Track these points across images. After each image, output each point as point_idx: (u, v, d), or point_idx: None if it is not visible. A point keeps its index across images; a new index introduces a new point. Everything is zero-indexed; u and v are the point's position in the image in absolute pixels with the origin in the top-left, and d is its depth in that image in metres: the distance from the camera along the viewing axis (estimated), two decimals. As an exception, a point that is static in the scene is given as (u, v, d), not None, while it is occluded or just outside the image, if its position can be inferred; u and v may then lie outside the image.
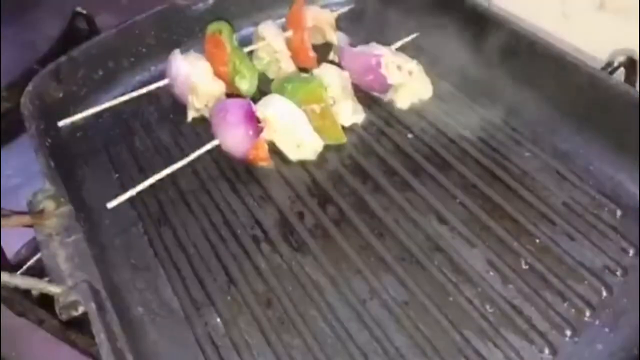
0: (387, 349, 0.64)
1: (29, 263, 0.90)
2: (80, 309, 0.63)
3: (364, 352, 0.64)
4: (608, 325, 0.63)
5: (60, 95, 0.93)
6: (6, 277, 0.64)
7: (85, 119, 0.91)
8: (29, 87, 0.89)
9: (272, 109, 0.82)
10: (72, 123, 0.89)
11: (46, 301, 0.78)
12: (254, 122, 0.79)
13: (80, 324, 0.77)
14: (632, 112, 0.76)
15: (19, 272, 0.88)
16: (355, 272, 0.71)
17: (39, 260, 0.89)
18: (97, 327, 0.59)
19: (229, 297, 0.70)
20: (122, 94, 0.97)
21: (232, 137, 0.80)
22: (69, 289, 0.63)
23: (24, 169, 1.00)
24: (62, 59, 0.94)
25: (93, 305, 0.62)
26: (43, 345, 0.83)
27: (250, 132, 0.79)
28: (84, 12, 1.23)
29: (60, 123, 0.88)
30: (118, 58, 0.99)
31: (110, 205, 0.78)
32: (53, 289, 0.64)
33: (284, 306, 0.68)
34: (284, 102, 0.82)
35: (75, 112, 0.93)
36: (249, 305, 0.69)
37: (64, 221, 0.72)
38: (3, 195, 0.94)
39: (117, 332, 0.62)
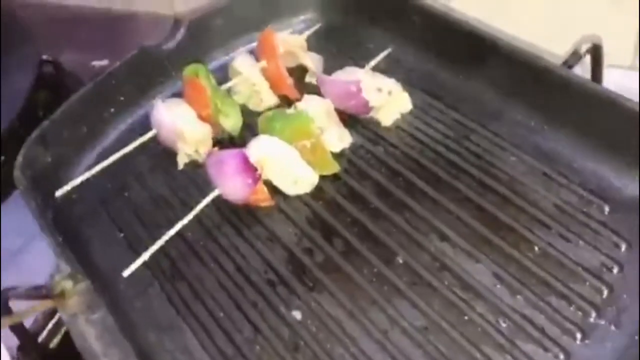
0: (416, 376, 0.68)
1: (46, 330, 0.92)
2: (121, 387, 0.66)
3: (394, 382, 0.68)
4: (613, 323, 0.68)
5: (49, 159, 0.94)
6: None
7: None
8: (19, 159, 0.89)
9: (265, 150, 0.84)
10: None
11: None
12: (251, 170, 0.81)
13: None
14: (596, 106, 0.81)
15: (39, 339, 0.91)
16: (371, 303, 0.74)
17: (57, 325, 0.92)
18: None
19: (257, 347, 0.73)
20: (108, 147, 0.99)
21: (232, 188, 0.82)
22: (107, 371, 0.66)
23: (19, 229, 1.01)
24: (45, 123, 0.94)
25: (134, 381, 0.65)
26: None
27: (249, 181, 0.81)
28: (50, 59, 1.23)
29: (58, 193, 0.89)
30: (99, 111, 1.00)
31: (126, 273, 0.80)
32: (92, 374, 0.67)
33: (311, 349, 0.72)
34: (275, 142, 0.84)
35: (65, 174, 0.94)
36: (278, 352, 0.72)
37: (85, 298, 0.74)
38: (4, 262, 0.95)
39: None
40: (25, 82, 1.17)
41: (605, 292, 0.71)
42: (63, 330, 0.90)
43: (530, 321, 0.70)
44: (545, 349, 0.68)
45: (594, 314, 0.69)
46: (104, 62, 1.30)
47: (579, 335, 0.68)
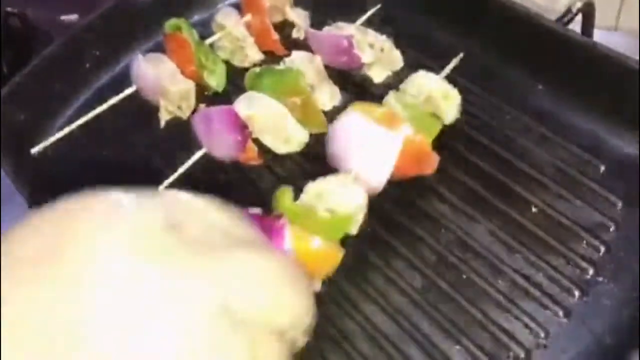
0: (415, 336, 0.67)
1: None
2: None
3: (394, 343, 0.67)
4: (612, 280, 0.68)
5: (22, 117, 0.89)
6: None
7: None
8: (-8, 118, 0.84)
9: (254, 108, 0.80)
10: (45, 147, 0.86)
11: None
12: (241, 127, 0.78)
13: None
14: (591, 64, 0.79)
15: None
16: (368, 264, 0.73)
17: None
18: None
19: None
20: (85, 104, 0.95)
21: (221, 146, 0.79)
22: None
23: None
24: (16, 79, 0.89)
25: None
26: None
27: (239, 139, 0.78)
28: (15, 11, 1.16)
29: (34, 150, 0.85)
30: (73, 68, 0.95)
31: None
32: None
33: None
34: (265, 99, 0.81)
35: (41, 132, 0.90)
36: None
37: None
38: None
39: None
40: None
41: (603, 250, 0.70)
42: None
43: (529, 280, 0.69)
44: (545, 307, 0.67)
45: (591, 272, 0.69)
46: (74, 17, 1.24)
47: (577, 293, 0.68)
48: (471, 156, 0.80)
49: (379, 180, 0.72)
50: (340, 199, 0.67)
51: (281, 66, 0.86)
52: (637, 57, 0.78)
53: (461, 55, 0.85)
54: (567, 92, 0.82)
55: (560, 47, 0.82)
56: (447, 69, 0.84)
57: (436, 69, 0.90)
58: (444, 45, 0.92)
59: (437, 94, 0.78)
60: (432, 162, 0.76)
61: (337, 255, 0.66)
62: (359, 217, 0.69)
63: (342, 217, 0.67)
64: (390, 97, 0.77)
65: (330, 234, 0.66)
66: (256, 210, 0.64)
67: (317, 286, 0.67)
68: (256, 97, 0.82)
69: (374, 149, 0.71)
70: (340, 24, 0.89)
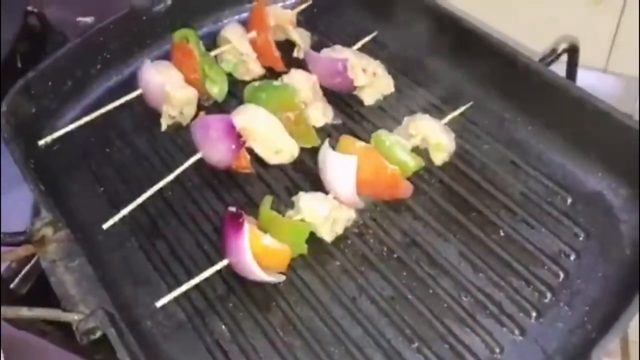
0: (380, 342, 0.72)
1: (19, 276, 0.93)
2: (98, 333, 0.68)
3: (359, 347, 0.72)
4: (567, 305, 0.73)
5: (33, 110, 0.95)
6: (25, 312, 0.69)
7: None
8: (3, 107, 0.90)
9: (250, 119, 0.86)
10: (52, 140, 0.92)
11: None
12: (236, 137, 0.84)
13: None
14: (569, 103, 0.85)
15: (11, 285, 0.92)
16: (342, 272, 0.78)
17: (29, 273, 0.93)
18: (120, 352, 0.65)
19: (230, 304, 0.76)
20: (93, 102, 1.00)
21: (216, 152, 0.85)
22: (86, 317, 0.68)
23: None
24: (30, 74, 0.95)
25: (113, 331, 0.67)
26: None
27: (233, 147, 0.84)
28: (35, 10, 1.22)
29: (41, 142, 0.90)
30: (85, 67, 1.01)
31: (106, 226, 0.81)
32: (71, 317, 0.69)
33: (282, 310, 0.75)
34: (261, 111, 0.87)
35: (49, 126, 0.96)
36: (250, 311, 0.75)
37: (65, 245, 0.76)
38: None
39: (136, 352, 0.67)
40: (9, 32, 1.16)
41: (562, 276, 0.75)
42: (34, 278, 0.92)
43: (491, 298, 0.74)
44: (502, 324, 0.72)
45: (549, 296, 0.74)
46: (89, 19, 1.29)
47: (534, 314, 0.73)
48: (446, 178, 0.86)
49: (348, 197, 0.80)
50: (309, 211, 0.78)
51: (279, 82, 0.91)
52: (624, 97, 0.83)
53: (470, 104, 0.92)
54: (543, 127, 0.88)
55: (540, 85, 0.88)
56: (451, 116, 0.90)
57: (426, 96, 0.96)
58: (433, 73, 0.98)
59: (431, 142, 0.86)
60: (406, 190, 0.83)
61: (285, 252, 0.75)
62: (324, 227, 0.79)
63: (302, 225, 0.78)
64: (381, 133, 0.84)
65: (295, 237, 0.77)
66: (232, 209, 0.75)
67: (281, 277, 0.77)
68: (253, 109, 0.87)
69: (338, 174, 0.80)
70: (338, 47, 0.95)
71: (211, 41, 1.04)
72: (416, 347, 0.71)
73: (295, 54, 1.03)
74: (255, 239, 0.73)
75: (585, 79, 0.98)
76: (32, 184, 0.80)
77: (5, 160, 0.97)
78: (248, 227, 0.73)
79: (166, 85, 0.92)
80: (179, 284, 0.77)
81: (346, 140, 0.82)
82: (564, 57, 0.95)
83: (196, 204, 0.87)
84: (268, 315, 0.75)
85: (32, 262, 0.85)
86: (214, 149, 0.85)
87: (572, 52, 0.97)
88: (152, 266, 0.81)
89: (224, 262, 0.75)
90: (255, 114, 0.87)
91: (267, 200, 0.79)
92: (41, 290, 0.86)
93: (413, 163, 0.81)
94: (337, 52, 0.94)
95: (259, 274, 0.73)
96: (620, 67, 1.20)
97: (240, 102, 0.92)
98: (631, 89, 1.16)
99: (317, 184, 0.85)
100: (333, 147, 0.83)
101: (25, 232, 0.78)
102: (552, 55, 0.95)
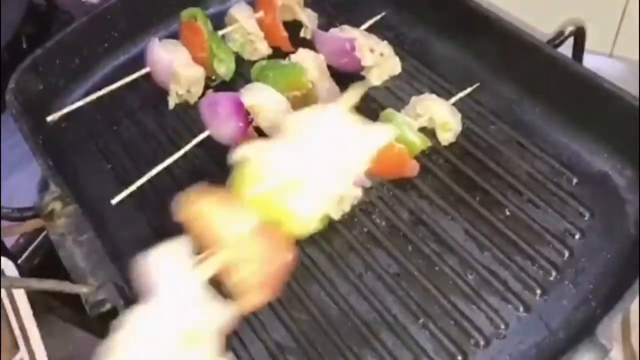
0: (386, 317, 0.73)
1: (27, 251, 0.94)
2: (108, 305, 0.69)
3: (366, 322, 0.73)
4: (571, 283, 0.74)
5: (41, 87, 0.95)
6: (34, 283, 0.69)
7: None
8: (11, 84, 0.90)
9: (258, 97, 0.86)
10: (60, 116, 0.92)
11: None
12: (244, 114, 0.84)
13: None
14: (576, 84, 0.85)
15: (19, 261, 0.93)
16: (349, 249, 0.79)
17: (37, 249, 0.94)
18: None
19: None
20: (101, 81, 1.01)
21: (224, 129, 0.85)
22: (96, 289, 0.69)
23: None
24: (38, 51, 0.95)
25: (121, 302, 0.68)
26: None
27: (241, 124, 0.84)
28: (42, -10, 1.22)
29: (49, 118, 0.91)
30: (92, 45, 1.01)
31: (114, 201, 0.82)
32: (81, 290, 0.69)
33: (289, 285, 0.75)
34: (269, 90, 0.87)
35: (56, 103, 0.96)
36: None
37: (74, 220, 0.77)
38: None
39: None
40: (15, 13, 1.16)
41: (567, 255, 0.76)
42: (42, 253, 0.93)
43: (496, 276, 0.75)
44: (508, 301, 0.73)
45: (554, 274, 0.75)
46: (95, 0, 1.30)
47: (539, 291, 0.73)
48: (453, 158, 0.86)
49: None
50: None
51: (286, 61, 0.92)
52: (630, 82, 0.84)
53: (477, 85, 0.92)
54: (549, 109, 0.88)
55: (548, 66, 0.88)
56: (458, 96, 0.90)
57: (433, 77, 0.96)
58: (441, 54, 0.98)
59: (438, 121, 0.86)
60: (412, 168, 0.83)
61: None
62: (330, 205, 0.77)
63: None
64: (390, 112, 0.84)
65: None
66: None
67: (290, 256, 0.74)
68: (260, 88, 0.88)
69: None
70: (345, 27, 0.95)
71: (219, 21, 1.03)
72: (422, 322, 0.72)
73: (302, 34, 1.03)
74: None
75: (591, 63, 0.98)
76: (41, 160, 0.81)
77: (5, 143, 0.98)
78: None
79: (174, 63, 0.92)
80: (187, 259, 0.78)
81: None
82: (569, 41, 0.95)
83: (203, 180, 0.86)
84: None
85: (41, 236, 0.86)
86: (222, 126, 0.85)
87: (579, 35, 0.97)
88: (160, 241, 0.81)
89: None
90: (262, 92, 0.87)
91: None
92: (49, 267, 0.87)
93: (420, 142, 0.82)
94: (344, 32, 0.94)
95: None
96: (626, 51, 1.21)
97: (248, 81, 0.92)
98: (637, 73, 1.16)
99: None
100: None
101: (33, 207, 0.79)
102: (559, 38, 0.95)
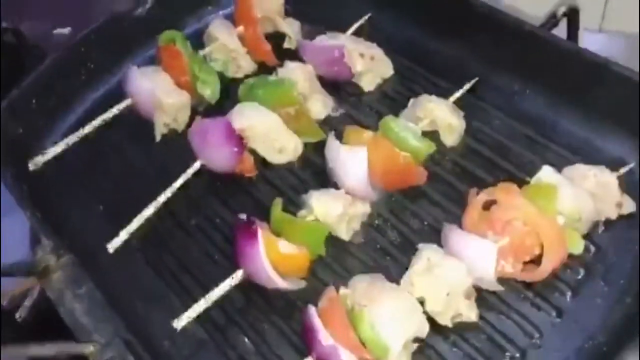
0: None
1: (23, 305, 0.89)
2: (116, 361, 0.65)
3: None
4: (602, 280, 0.70)
5: (20, 131, 0.90)
6: (36, 349, 0.65)
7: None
8: (-12, 131, 0.85)
9: (249, 118, 0.82)
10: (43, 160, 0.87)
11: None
12: (237, 139, 0.80)
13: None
14: (579, 68, 0.81)
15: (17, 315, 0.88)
16: (365, 269, 0.74)
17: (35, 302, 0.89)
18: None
19: (251, 317, 0.73)
20: (82, 117, 0.96)
21: (218, 157, 0.81)
22: (103, 347, 0.65)
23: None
24: (14, 92, 0.90)
25: (131, 358, 0.63)
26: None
27: (235, 150, 0.80)
28: (11, 26, 1.17)
29: (31, 165, 0.86)
30: (69, 80, 0.96)
31: (111, 247, 0.77)
32: (86, 349, 0.65)
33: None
34: (259, 110, 0.83)
35: (38, 145, 0.91)
36: (273, 322, 0.72)
37: (70, 272, 0.72)
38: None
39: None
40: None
41: (593, 250, 0.72)
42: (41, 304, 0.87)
43: (522, 281, 0.71)
44: (539, 308, 0.69)
45: (582, 272, 0.71)
46: (66, 31, 1.25)
47: (569, 293, 0.70)
48: (462, 160, 0.82)
49: (361, 191, 0.76)
50: (322, 209, 0.74)
51: (274, 77, 0.87)
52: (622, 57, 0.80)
53: (475, 80, 0.88)
54: (554, 96, 0.84)
55: (547, 52, 0.84)
56: (458, 94, 0.86)
57: (428, 76, 0.92)
58: (433, 51, 0.94)
59: (441, 123, 0.82)
60: (420, 176, 0.79)
61: (303, 257, 0.71)
62: (340, 226, 0.75)
63: (318, 226, 0.74)
64: (389, 119, 0.79)
65: (312, 238, 0.73)
66: (243, 217, 0.71)
67: (302, 283, 0.72)
68: (250, 108, 0.83)
69: (349, 168, 0.76)
70: (332, 33, 0.91)
71: (198, 40, 0.99)
72: (452, 341, 0.68)
73: (286, 45, 0.99)
74: (271, 246, 0.69)
75: (584, 41, 0.95)
76: (28, 212, 0.76)
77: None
78: (262, 234, 0.69)
79: (156, 92, 0.88)
80: (194, 299, 0.73)
81: (353, 131, 0.79)
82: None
83: (202, 213, 0.83)
84: (292, 324, 0.71)
85: (38, 291, 0.81)
86: (215, 154, 0.81)
87: (572, 14, 0.93)
88: (163, 282, 0.77)
89: (239, 273, 0.71)
90: (253, 113, 0.83)
91: (277, 202, 0.75)
92: (49, 319, 0.82)
93: (425, 148, 0.78)
94: (331, 39, 0.90)
95: (278, 282, 0.69)
96: (616, 24, 1.17)
97: (235, 101, 0.88)
98: (632, 46, 1.12)
99: (326, 180, 0.81)
100: (339, 140, 0.79)
101: (26, 262, 0.74)
102: (552, 20, 0.92)
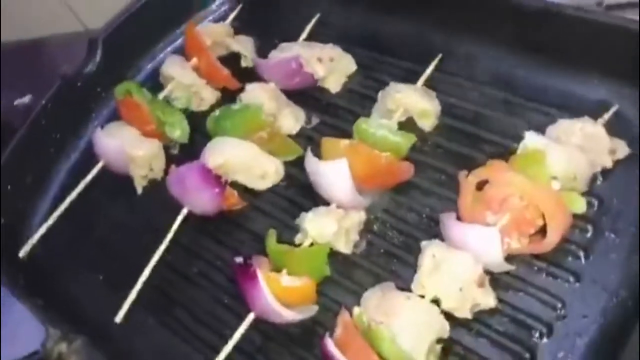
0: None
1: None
2: None
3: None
4: (612, 232, 0.68)
5: (2, 222, 0.88)
6: None
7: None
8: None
9: (223, 154, 0.80)
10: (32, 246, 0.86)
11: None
12: (214, 179, 0.78)
13: None
14: (548, 20, 0.78)
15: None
16: (373, 278, 0.73)
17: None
18: None
19: (272, 353, 0.71)
20: (60, 190, 0.95)
21: (201, 202, 0.79)
22: None
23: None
24: (-14, 184, 0.89)
25: None
26: None
27: (216, 190, 0.78)
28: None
29: (21, 253, 0.85)
30: (39, 156, 0.94)
31: (118, 318, 0.76)
32: None
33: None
34: (232, 143, 0.81)
35: (23, 231, 0.89)
36: (295, 352, 0.71)
37: (84, 355, 0.71)
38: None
39: None
40: None
41: (596, 204, 0.70)
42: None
43: (534, 254, 0.69)
44: (555, 277, 0.67)
45: (590, 229, 0.69)
46: (27, 100, 1.22)
47: (582, 254, 0.68)
48: (445, 142, 0.80)
49: (351, 202, 0.74)
50: (317, 231, 0.72)
51: (238, 104, 0.85)
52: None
53: (439, 56, 0.85)
54: (521, 53, 0.81)
55: (501, 9, 0.81)
56: (425, 75, 0.83)
57: (392, 62, 0.90)
58: (390, 35, 0.91)
59: (415, 110, 0.80)
60: (406, 170, 0.77)
61: (308, 286, 0.70)
62: (339, 242, 0.73)
63: (317, 250, 0.72)
64: (361, 122, 0.77)
65: (313, 263, 0.71)
66: (239, 259, 0.70)
67: (314, 308, 0.71)
68: (222, 143, 0.81)
69: (333, 182, 0.74)
70: (285, 44, 0.89)
71: (154, 82, 0.97)
72: (476, 331, 0.67)
73: (243, 64, 0.96)
74: (273, 283, 0.68)
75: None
76: (28, 303, 0.75)
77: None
78: (262, 273, 0.67)
79: (125, 147, 0.86)
80: (214, 349, 0.72)
81: (328, 142, 0.77)
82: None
83: (201, 259, 0.81)
84: (314, 350, 0.70)
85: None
86: (198, 199, 0.79)
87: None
88: (180, 340, 0.76)
89: (251, 316, 0.70)
90: (226, 147, 0.81)
91: (271, 234, 0.73)
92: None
93: (405, 141, 0.76)
94: (285, 51, 0.87)
95: (289, 316, 0.68)
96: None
97: (206, 135, 0.86)
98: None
99: (314, 195, 0.79)
100: (317, 154, 0.77)
101: (39, 354, 0.73)
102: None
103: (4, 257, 0.83)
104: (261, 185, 0.83)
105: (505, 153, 0.74)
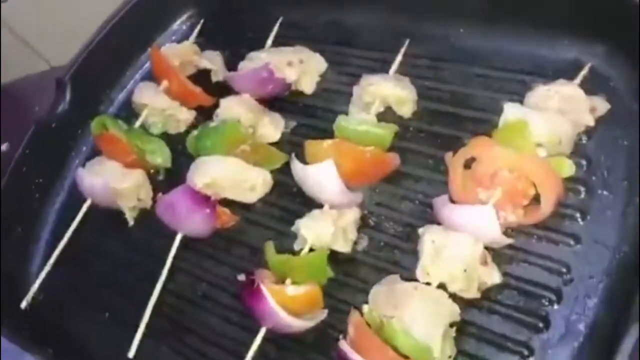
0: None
1: None
2: None
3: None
4: (604, 189, 0.68)
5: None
6: None
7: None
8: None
9: (208, 174, 0.79)
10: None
11: None
12: (204, 201, 0.78)
13: None
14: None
15: None
16: (377, 272, 0.72)
17: None
18: None
19: (290, 366, 0.72)
20: (51, 235, 0.94)
21: (194, 226, 0.79)
22: None
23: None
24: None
25: None
26: None
27: (207, 211, 0.78)
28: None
29: (23, 304, 0.84)
30: (25, 204, 0.94)
31: (131, 353, 0.76)
32: None
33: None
34: (215, 161, 0.81)
35: (23, 282, 0.89)
36: (312, 359, 0.71)
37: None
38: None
39: None
40: None
41: (584, 164, 0.70)
42: None
43: (531, 224, 0.69)
44: (556, 242, 0.67)
45: (582, 189, 0.69)
46: (4, 147, 1.21)
47: (578, 215, 0.68)
48: (426, 125, 0.80)
49: (343, 201, 0.74)
50: (314, 236, 0.72)
51: (216, 122, 0.85)
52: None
53: (407, 41, 0.85)
54: (488, 26, 0.81)
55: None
56: (396, 63, 0.83)
57: (361, 54, 0.89)
58: (355, 26, 0.91)
59: (391, 99, 0.80)
60: (392, 161, 0.77)
61: (314, 292, 0.69)
62: (337, 242, 0.73)
63: (316, 256, 0.71)
64: (340, 120, 0.77)
65: (315, 269, 0.71)
66: (241, 277, 0.70)
67: (324, 312, 0.71)
68: (205, 162, 0.81)
69: (321, 184, 0.74)
70: (253, 53, 0.88)
71: (128, 110, 0.97)
72: (487, 308, 0.67)
73: (214, 79, 0.96)
74: (279, 295, 0.67)
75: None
76: (39, 355, 0.74)
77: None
78: (266, 287, 0.67)
79: (109, 182, 0.85)
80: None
81: (312, 145, 0.76)
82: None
83: (203, 281, 0.81)
84: (330, 353, 0.70)
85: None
86: (190, 224, 0.79)
87: None
88: (199, 365, 0.76)
89: (263, 331, 0.70)
90: (210, 166, 0.80)
91: (269, 247, 0.73)
92: None
93: (387, 133, 0.75)
94: (255, 60, 0.87)
95: (299, 325, 0.68)
96: None
97: (189, 156, 0.86)
98: None
99: (306, 200, 0.79)
100: (302, 158, 0.77)
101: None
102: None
103: (5, 311, 0.82)
104: (251, 197, 0.83)
105: (489, 128, 0.74)
